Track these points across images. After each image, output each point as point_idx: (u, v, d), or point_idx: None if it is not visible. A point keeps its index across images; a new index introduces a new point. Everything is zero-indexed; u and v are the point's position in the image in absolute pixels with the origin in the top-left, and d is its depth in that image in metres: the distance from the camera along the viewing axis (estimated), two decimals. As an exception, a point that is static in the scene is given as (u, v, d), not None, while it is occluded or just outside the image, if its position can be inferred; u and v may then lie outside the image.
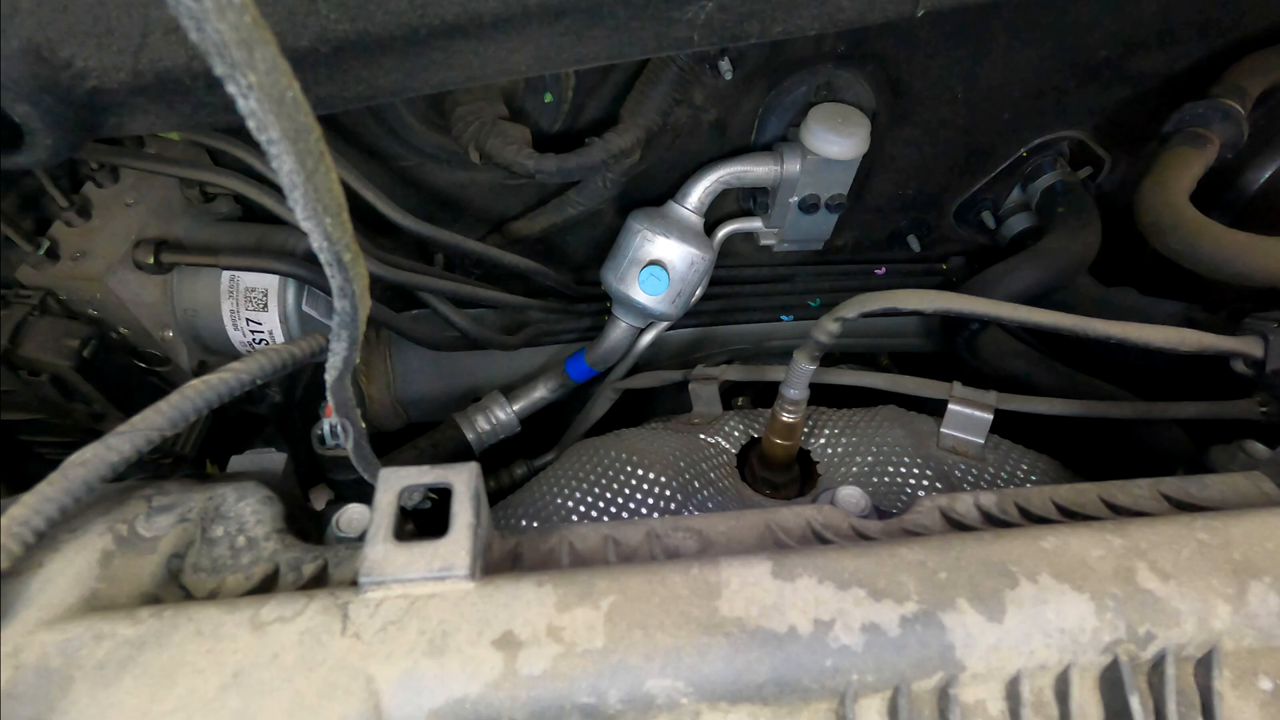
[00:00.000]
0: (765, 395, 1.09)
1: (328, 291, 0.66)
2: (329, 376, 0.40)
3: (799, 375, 0.68)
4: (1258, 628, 0.35)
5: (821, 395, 0.83)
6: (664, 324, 1.04)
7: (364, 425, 0.46)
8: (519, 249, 0.98)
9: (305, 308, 0.85)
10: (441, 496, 0.42)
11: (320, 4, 0.47)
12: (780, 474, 0.76)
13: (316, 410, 0.94)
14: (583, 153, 0.82)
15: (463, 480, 0.39)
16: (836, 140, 0.90)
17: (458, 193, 0.94)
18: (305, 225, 0.29)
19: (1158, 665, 0.34)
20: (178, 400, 0.41)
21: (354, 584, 0.36)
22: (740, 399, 1.07)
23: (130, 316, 0.78)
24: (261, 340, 0.84)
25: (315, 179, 0.28)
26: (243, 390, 0.44)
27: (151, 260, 0.75)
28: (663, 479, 0.73)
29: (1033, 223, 1.09)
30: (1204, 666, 0.34)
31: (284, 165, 0.27)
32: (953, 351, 1.13)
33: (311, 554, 0.42)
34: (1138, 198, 0.76)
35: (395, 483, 0.40)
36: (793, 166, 0.94)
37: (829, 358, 1.18)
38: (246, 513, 0.44)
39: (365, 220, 0.85)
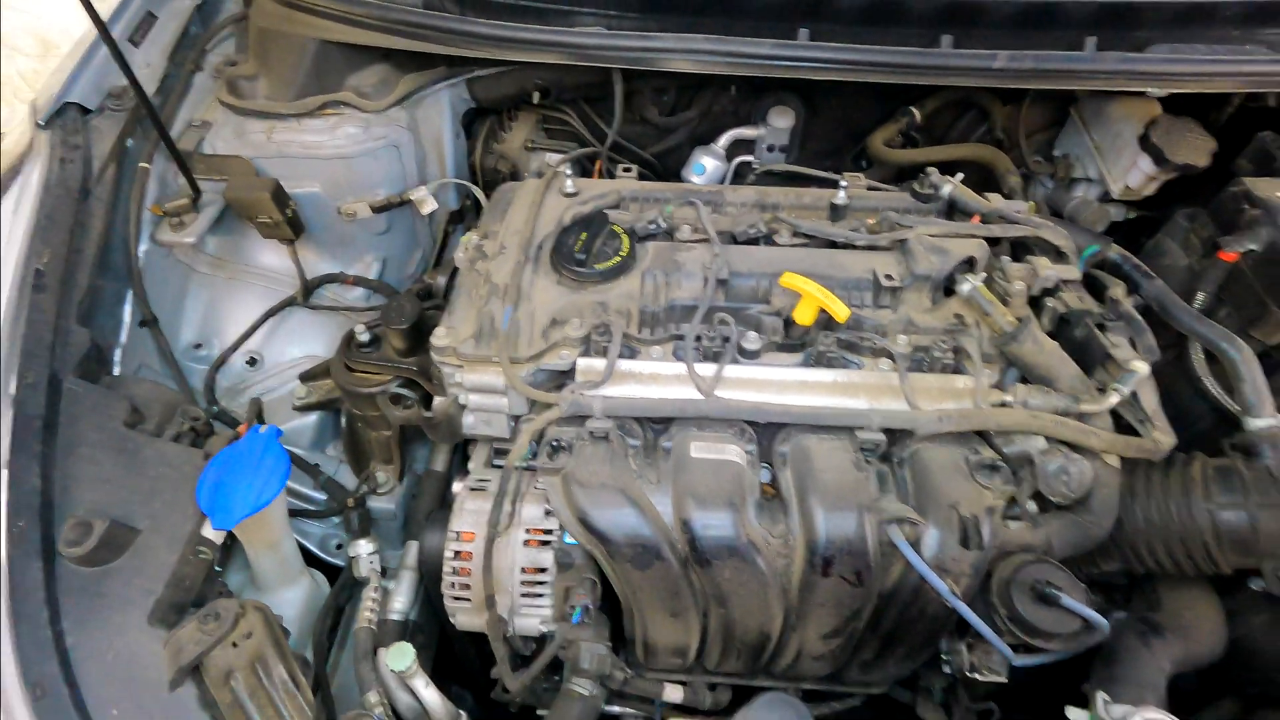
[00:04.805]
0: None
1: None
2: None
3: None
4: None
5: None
6: (707, 197, 2.44)
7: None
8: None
9: (571, 171, 2.34)
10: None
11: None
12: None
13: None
14: (676, 118, 2.25)
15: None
16: (780, 120, 2.27)
17: (633, 135, 2.40)
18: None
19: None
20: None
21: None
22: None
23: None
24: (555, 181, 2.34)
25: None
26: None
27: (531, 145, 2.28)
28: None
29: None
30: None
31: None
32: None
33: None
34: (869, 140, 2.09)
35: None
36: (763, 131, 2.31)
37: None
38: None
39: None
